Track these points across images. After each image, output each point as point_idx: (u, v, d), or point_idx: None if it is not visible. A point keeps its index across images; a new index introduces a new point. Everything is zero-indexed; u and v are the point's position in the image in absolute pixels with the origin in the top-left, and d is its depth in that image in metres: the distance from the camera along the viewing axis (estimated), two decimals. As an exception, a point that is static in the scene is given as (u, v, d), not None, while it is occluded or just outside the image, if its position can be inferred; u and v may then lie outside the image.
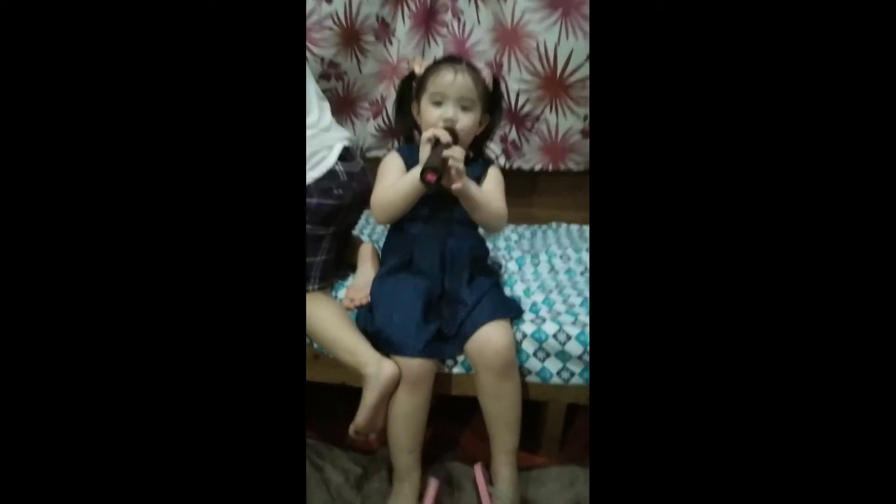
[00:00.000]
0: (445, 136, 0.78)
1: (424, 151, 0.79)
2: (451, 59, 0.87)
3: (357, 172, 0.92)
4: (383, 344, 0.79)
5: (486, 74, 0.88)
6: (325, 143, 0.89)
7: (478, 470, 0.82)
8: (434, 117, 0.83)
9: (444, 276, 0.84)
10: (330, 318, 0.82)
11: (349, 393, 0.80)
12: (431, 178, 0.70)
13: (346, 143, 0.93)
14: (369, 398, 0.75)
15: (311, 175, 0.85)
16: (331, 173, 0.88)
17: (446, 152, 0.75)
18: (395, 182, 0.83)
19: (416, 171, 0.76)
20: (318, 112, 0.91)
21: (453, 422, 0.97)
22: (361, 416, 0.76)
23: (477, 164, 0.92)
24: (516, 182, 1.04)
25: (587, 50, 1.12)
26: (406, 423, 0.78)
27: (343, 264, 0.98)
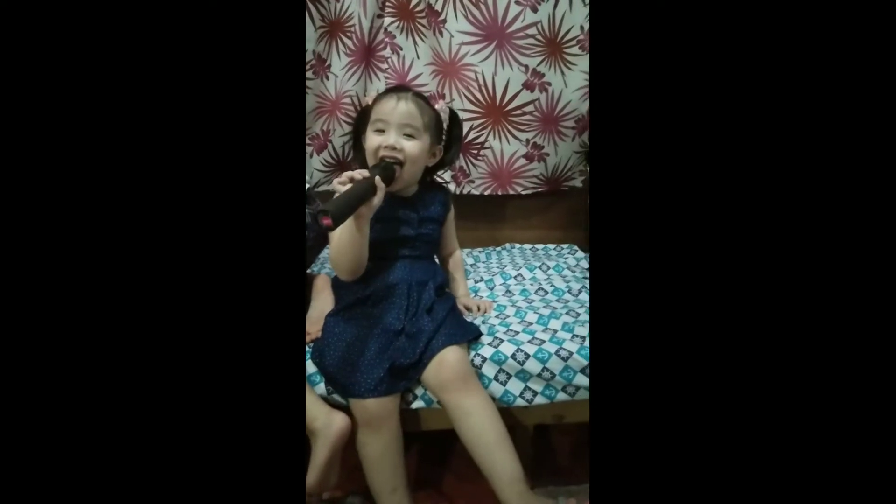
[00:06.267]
0: (360, 176, 0.73)
1: (338, 192, 0.72)
2: (397, 89, 0.87)
3: (316, 214, 0.92)
4: (334, 387, 0.77)
5: (441, 107, 0.87)
6: None
7: None
8: (374, 144, 0.81)
9: (401, 308, 0.82)
10: None
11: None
12: (326, 221, 0.65)
13: (307, 185, 0.94)
14: (320, 455, 0.70)
15: None
16: None
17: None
18: (340, 233, 0.77)
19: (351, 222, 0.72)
20: None
21: (426, 464, 0.92)
22: (312, 474, 0.70)
23: (438, 193, 0.92)
24: (467, 207, 1.06)
25: (522, 78, 1.17)
26: (378, 464, 0.73)
27: None
